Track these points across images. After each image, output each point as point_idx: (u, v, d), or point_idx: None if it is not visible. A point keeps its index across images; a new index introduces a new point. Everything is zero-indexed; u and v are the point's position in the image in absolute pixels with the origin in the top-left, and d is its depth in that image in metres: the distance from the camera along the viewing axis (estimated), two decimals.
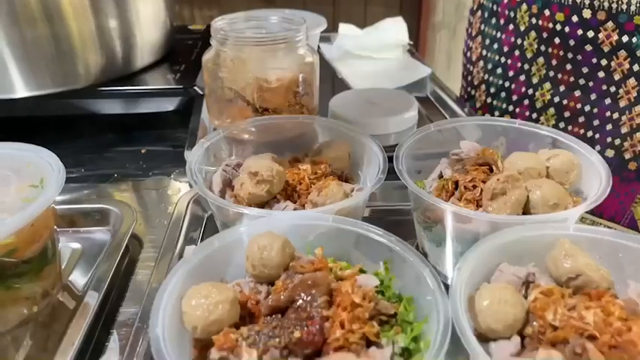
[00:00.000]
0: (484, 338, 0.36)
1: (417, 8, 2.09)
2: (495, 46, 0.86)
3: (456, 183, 0.50)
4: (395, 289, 0.39)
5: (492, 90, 0.89)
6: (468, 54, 0.96)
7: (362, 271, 0.40)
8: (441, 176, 0.53)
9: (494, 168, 0.50)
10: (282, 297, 0.37)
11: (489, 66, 0.88)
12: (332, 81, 1.05)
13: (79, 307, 0.52)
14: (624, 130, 0.71)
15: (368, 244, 0.42)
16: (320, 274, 0.38)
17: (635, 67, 0.67)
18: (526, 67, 0.80)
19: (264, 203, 0.49)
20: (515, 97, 0.84)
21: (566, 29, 0.72)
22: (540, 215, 0.44)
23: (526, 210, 0.46)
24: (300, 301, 0.36)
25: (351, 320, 0.34)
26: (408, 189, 0.49)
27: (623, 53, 0.68)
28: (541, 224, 0.42)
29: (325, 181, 0.49)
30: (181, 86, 0.83)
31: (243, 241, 0.41)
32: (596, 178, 0.49)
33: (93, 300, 0.53)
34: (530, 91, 0.81)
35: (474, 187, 0.49)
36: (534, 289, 0.38)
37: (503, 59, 0.85)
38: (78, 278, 0.57)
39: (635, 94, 0.69)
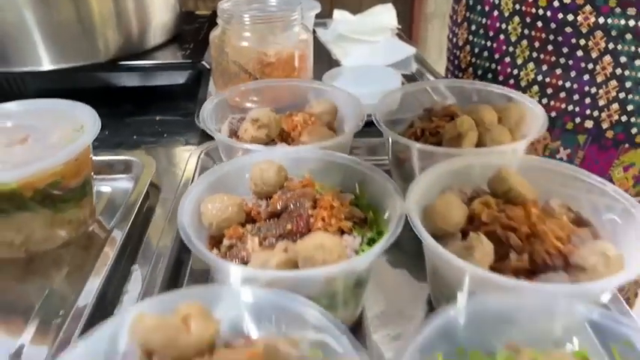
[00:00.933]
0: (435, 237, 0.47)
1: None
2: (481, 31, 0.92)
3: (423, 130, 0.61)
4: (366, 201, 0.50)
5: (479, 72, 0.96)
6: (454, 40, 1.05)
7: (341, 192, 0.51)
8: (411, 126, 0.63)
9: (455, 118, 0.61)
10: (277, 205, 0.47)
11: (476, 50, 0.95)
12: (327, 61, 1.15)
13: (108, 239, 0.62)
14: (601, 102, 0.78)
15: (347, 171, 0.52)
16: (307, 189, 0.49)
17: (610, 46, 0.75)
18: (511, 49, 0.87)
19: (264, 145, 0.59)
20: (501, 78, 0.90)
21: (548, 13, 0.79)
22: (488, 148, 0.55)
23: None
24: (291, 207, 0.46)
25: (330, 216, 0.45)
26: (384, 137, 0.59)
27: (599, 33, 0.74)
28: (487, 155, 0.52)
29: (315, 126, 0.59)
30: (190, 61, 0.93)
31: (248, 166, 0.51)
32: (538, 125, 0.59)
33: (119, 234, 0.63)
34: (515, 72, 0.87)
35: (437, 132, 0.59)
36: (475, 201, 0.48)
37: (489, 43, 0.91)
38: (106, 216, 0.67)
39: (610, 69, 0.76)
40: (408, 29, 2.25)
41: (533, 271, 0.42)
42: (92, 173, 0.62)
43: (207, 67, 0.93)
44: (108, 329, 0.33)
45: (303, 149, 0.54)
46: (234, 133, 0.63)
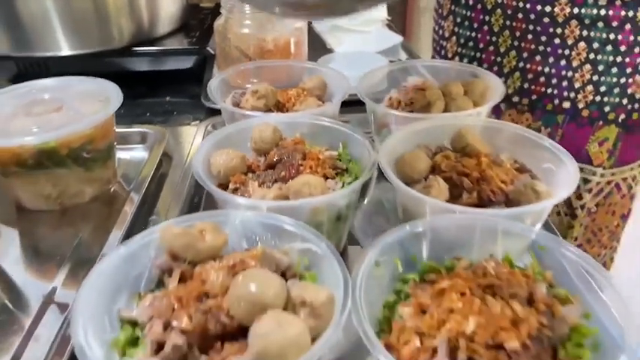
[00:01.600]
0: (404, 183, 0.56)
1: None
2: (466, 23, 0.99)
3: (399, 101, 0.70)
4: (348, 156, 0.60)
5: (465, 60, 1.03)
6: (440, 32, 1.13)
7: (327, 150, 0.61)
8: (390, 99, 0.73)
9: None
10: (273, 158, 0.57)
11: (462, 40, 1.02)
12: (322, 49, 1.24)
13: (127, 199, 0.72)
14: (577, 85, 0.86)
15: (332, 132, 0.62)
16: (299, 145, 0.58)
17: (584, 33, 0.81)
18: (494, 39, 0.93)
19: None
20: (485, 65, 0.98)
21: (528, 6, 0.86)
22: (453, 113, 0.65)
23: None
24: (285, 159, 0.56)
25: (316, 165, 0.54)
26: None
27: (574, 22, 0.81)
28: (450, 118, 0.62)
29: (306, 98, 0.69)
30: (196, 47, 1.03)
31: (249, 129, 0.61)
32: (498, 95, 0.68)
33: (136, 196, 0.73)
34: (499, 59, 0.94)
35: (411, 103, 0.69)
36: (438, 154, 0.58)
37: (474, 34, 0.97)
38: (125, 179, 0.77)
39: (584, 55, 0.84)
40: (402, 22, 2.35)
41: (481, 206, 0.52)
42: (115, 140, 0.72)
43: (212, 52, 1.03)
44: (143, 238, 0.43)
45: (296, 115, 0.64)
46: (236, 105, 0.73)
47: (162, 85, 1.05)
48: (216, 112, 0.92)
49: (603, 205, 0.95)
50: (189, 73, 1.06)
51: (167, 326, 0.37)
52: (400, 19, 2.35)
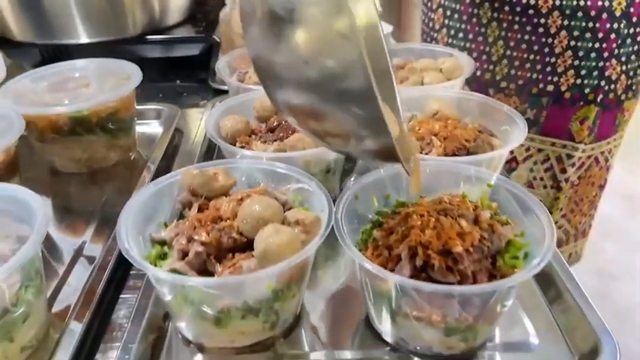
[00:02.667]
0: None
1: None
2: (456, 16, 1.07)
3: None
4: None
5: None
6: (430, 24, 1.19)
7: None
8: None
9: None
10: (273, 123, 0.67)
11: (452, 32, 1.09)
12: None
13: (145, 167, 0.82)
14: (560, 70, 0.94)
15: None
16: None
17: (565, 22, 0.89)
18: (482, 30, 1.00)
19: None
20: (475, 55, 1.05)
21: None
22: (427, 86, 0.75)
23: None
24: (283, 123, 0.67)
25: None
26: None
27: (556, 13, 0.88)
28: (426, 89, 0.72)
29: None
30: (203, 35, 1.13)
31: (252, 100, 0.72)
32: (468, 71, 0.79)
33: (153, 166, 0.83)
34: (487, 49, 1.01)
35: None
36: (413, 119, 0.68)
37: (463, 26, 1.04)
38: (143, 149, 0.87)
39: (566, 42, 0.92)
40: (397, 16, 2.45)
41: None
42: (135, 114, 0.82)
43: (217, 40, 1.13)
44: (168, 178, 0.54)
45: None
46: (240, 82, 0.83)
47: (172, 70, 1.15)
48: (222, 92, 1.02)
49: (584, 177, 1.04)
50: (197, 59, 1.16)
51: (190, 240, 0.47)
52: (395, 13, 2.45)
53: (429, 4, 1.18)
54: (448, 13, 1.09)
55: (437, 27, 1.14)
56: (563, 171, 1.03)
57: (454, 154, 0.62)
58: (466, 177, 0.56)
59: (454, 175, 0.56)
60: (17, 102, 0.72)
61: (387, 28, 1.32)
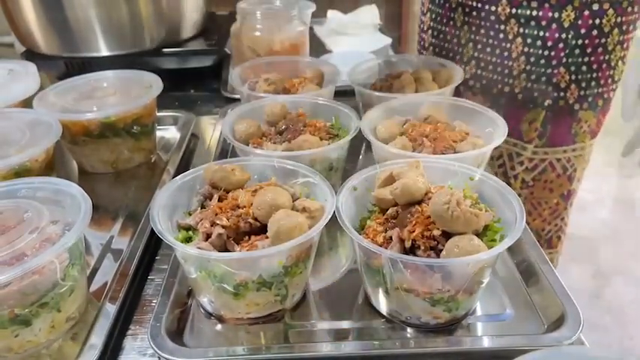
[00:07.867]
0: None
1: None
2: (439, 18, 1.16)
3: (381, 86, 0.89)
4: (339, 125, 0.78)
5: (437, 50, 1.20)
6: (422, 26, 1.28)
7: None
8: (374, 84, 0.92)
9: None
10: (282, 127, 0.76)
11: (435, 33, 1.19)
12: (322, 51, 1.43)
13: (165, 168, 0.90)
14: (514, 73, 1.01)
15: (327, 109, 0.80)
16: (301, 117, 0.77)
17: (521, 30, 0.98)
18: (457, 32, 1.10)
19: None
20: (451, 55, 1.15)
21: (479, 5, 1.03)
22: (420, 93, 0.83)
23: None
24: (290, 126, 0.75)
25: (314, 131, 0.73)
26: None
27: (513, 20, 0.97)
28: (419, 96, 0.81)
29: (307, 84, 0.88)
30: (215, 48, 1.22)
31: (262, 107, 0.80)
32: (457, 80, 0.87)
33: (172, 168, 0.91)
34: (460, 50, 1.10)
35: (391, 87, 0.87)
36: (407, 123, 0.76)
37: (443, 28, 1.13)
38: (162, 153, 0.96)
39: (520, 48, 1.00)
40: (397, 27, 2.54)
41: None
42: (156, 119, 0.91)
43: (228, 52, 1.22)
44: (192, 173, 0.62)
45: (299, 95, 0.83)
46: (251, 90, 0.92)
47: (187, 80, 1.24)
48: (233, 100, 1.11)
49: (539, 180, 1.10)
50: (210, 70, 1.25)
51: (212, 224, 0.55)
52: (395, 23, 2.53)
53: (422, 9, 1.26)
54: (433, 16, 1.17)
55: (425, 28, 1.22)
56: (512, 168, 1.10)
57: (442, 153, 0.70)
58: (452, 172, 0.64)
59: (441, 171, 0.64)
60: (52, 109, 0.81)
61: (386, 40, 1.41)
